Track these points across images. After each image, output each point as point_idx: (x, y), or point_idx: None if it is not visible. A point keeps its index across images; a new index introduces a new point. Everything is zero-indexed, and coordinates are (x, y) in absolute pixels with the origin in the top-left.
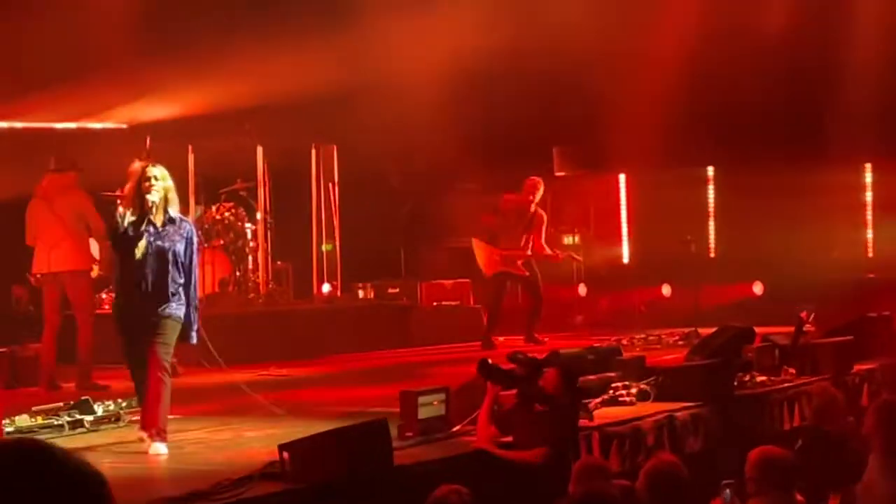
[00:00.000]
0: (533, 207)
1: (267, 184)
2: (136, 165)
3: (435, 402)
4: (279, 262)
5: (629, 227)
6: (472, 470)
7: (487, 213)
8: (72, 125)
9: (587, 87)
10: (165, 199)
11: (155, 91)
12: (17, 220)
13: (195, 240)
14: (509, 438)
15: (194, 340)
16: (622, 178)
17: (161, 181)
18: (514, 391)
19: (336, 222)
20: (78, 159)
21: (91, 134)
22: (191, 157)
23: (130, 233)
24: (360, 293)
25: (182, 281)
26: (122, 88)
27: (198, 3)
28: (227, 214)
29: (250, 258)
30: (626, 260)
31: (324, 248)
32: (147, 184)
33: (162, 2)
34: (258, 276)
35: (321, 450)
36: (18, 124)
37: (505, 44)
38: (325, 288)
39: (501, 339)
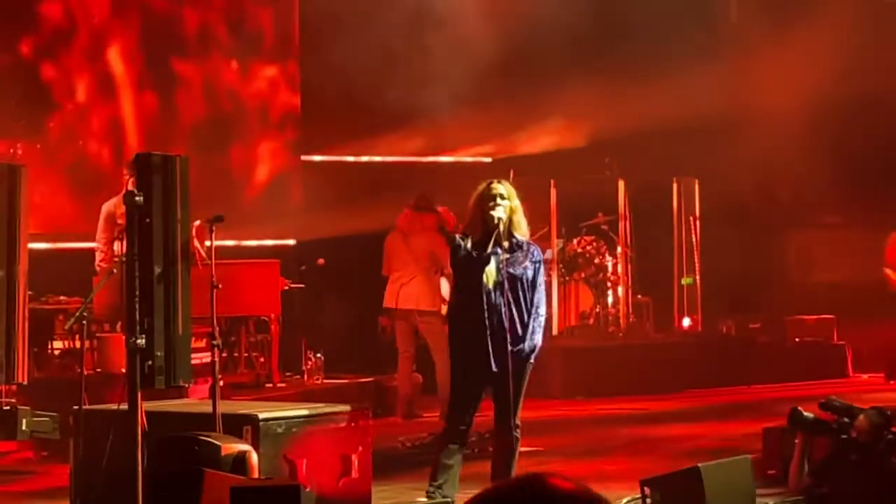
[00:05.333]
0: None
1: (628, 217)
2: (482, 185)
3: (796, 441)
4: (639, 296)
5: None
6: None
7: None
8: (437, 159)
9: None
10: (510, 221)
11: (519, 125)
12: (381, 251)
13: (542, 267)
14: (824, 489)
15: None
16: None
17: (507, 200)
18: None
19: (697, 256)
20: (439, 193)
21: (456, 167)
22: (553, 192)
23: (475, 255)
24: (722, 328)
25: (533, 312)
26: (487, 123)
27: (559, 38)
28: (588, 248)
29: (611, 291)
30: None
31: (684, 281)
32: (492, 203)
33: (524, 38)
34: (618, 310)
35: (683, 486)
36: (385, 158)
37: (875, 72)
38: (686, 322)
39: (866, 377)
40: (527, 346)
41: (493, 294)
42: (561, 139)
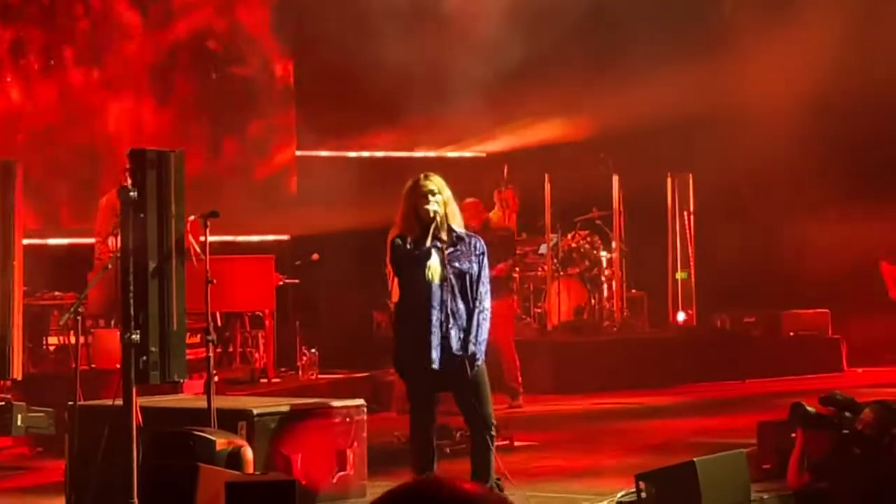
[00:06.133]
0: None
1: (622, 212)
2: (410, 182)
3: (792, 435)
4: (634, 291)
5: None
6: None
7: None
8: (431, 154)
9: None
10: (445, 214)
11: (513, 120)
12: (378, 246)
13: (486, 259)
14: (823, 485)
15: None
16: None
17: (439, 194)
18: (827, 435)
19: (691, 250)
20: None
21: (450, 162)
22: (547, 186)
23: (415, 251)
24: (717, 322)
25: (478, 306)
26: (483, 118)
27: (554, 34)
28: (582, 242)
29: (605, 286)
30: None
31: (679, 276)
32: (423, 199)
33: (520, 34)
34: (613, 304)
35: (678, 480)
36: (379, 153)
37: (871, 65)
38: (681, 316)
39: (860, 370)
40: (474, 340)
41: (440, 290)
42: (556, 134)
